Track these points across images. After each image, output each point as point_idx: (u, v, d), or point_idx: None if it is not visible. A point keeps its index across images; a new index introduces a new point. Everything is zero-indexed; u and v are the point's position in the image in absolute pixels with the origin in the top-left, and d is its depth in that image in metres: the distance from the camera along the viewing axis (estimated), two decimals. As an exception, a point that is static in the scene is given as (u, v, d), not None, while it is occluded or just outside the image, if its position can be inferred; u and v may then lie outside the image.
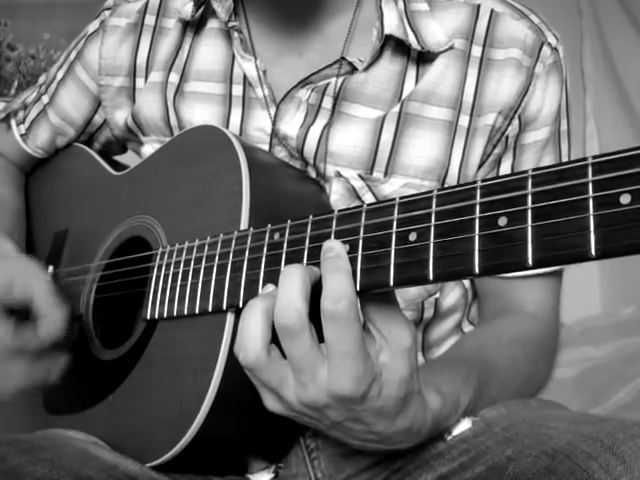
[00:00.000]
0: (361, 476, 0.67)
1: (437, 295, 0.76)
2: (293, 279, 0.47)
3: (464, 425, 0.60)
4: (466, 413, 0.61)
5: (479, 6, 0.74)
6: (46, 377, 0.66)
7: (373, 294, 0.49)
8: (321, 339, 0.48)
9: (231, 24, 0.76)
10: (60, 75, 0.90)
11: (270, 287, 0.52)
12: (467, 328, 0.82)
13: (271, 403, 0.52)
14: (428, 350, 0.80)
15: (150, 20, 0.83)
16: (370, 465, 0.65)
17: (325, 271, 0.47)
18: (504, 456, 0.54)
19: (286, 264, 0.52)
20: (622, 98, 2.48)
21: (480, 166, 0.75)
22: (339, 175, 0.72)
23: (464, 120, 0.73)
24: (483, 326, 0.80)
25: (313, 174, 0.75)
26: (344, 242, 0.48)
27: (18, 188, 0.95)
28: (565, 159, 0.79)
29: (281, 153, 0.75)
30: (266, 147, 0.75)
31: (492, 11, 0.74)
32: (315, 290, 0.48)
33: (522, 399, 0.69)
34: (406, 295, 0.74)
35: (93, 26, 0.87)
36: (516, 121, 0.74)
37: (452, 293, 0.78)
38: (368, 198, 0.72)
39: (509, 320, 0.76)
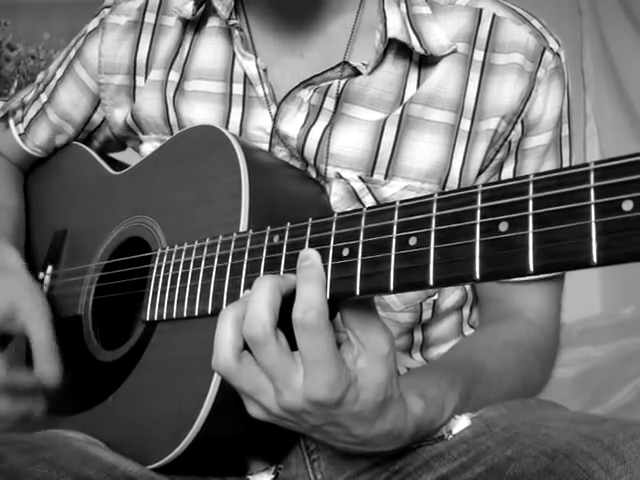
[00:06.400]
0: (360, 477, 0.66)
1: (435, 297, 0.76)
2: (262, 290, 0.48)
3: (463, 423, 0.60)
4: (453, 415, 0.61)
5: (481, 10, 0.74)
6: (23, 417, 0.68)
7: (351, 301, 0.49)
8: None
9: (232, 22, 0.75)
10: (59, 73, 0.90)
11: (248, 293, 0.52)
12: (467, 331, 0.82)
13: (252, 409, 0.53)
14: (426, 349, 0.80)
15: (150, 18, 0.83)
16: (370, 466, 0.65)
17: (298, 279, 0.49)
18: (504, 456, 0.54)
19: (285, 267, 0.52)
20: (622, 98, 2.48)
21: (482, 171, 0.75)
22: (339, 177, 0.72)
23: (465, 124, 0.72)
24: (479, 330, 0.80)
25: (313, 174, 0.74)
26: (344, 246, 0.48)
27: (18, 188, 0.95)
28: (566, 165, 0.79)
29: (281, 153, 0.75)
30: (266, 146, 0.75)
31: (494, 15, 0.74)
32: (291, 298, 0.49)
33: (521, 399, 0.69)
34: (404, 297, 0.74)
35: (92, 24, 0.87)
36: (519, 126, 0.74)
37: (452, 295, 0.78)
38: (368, 200, 0.72)
39: (504, 324, 0.76)
